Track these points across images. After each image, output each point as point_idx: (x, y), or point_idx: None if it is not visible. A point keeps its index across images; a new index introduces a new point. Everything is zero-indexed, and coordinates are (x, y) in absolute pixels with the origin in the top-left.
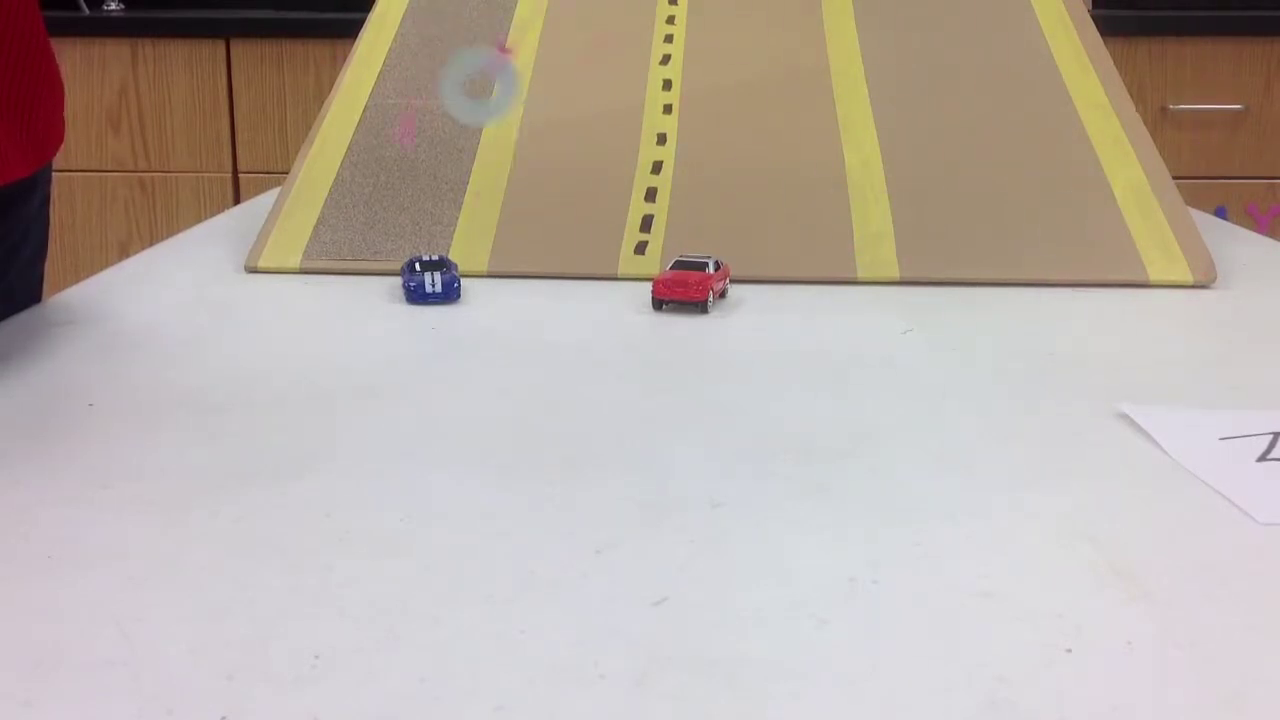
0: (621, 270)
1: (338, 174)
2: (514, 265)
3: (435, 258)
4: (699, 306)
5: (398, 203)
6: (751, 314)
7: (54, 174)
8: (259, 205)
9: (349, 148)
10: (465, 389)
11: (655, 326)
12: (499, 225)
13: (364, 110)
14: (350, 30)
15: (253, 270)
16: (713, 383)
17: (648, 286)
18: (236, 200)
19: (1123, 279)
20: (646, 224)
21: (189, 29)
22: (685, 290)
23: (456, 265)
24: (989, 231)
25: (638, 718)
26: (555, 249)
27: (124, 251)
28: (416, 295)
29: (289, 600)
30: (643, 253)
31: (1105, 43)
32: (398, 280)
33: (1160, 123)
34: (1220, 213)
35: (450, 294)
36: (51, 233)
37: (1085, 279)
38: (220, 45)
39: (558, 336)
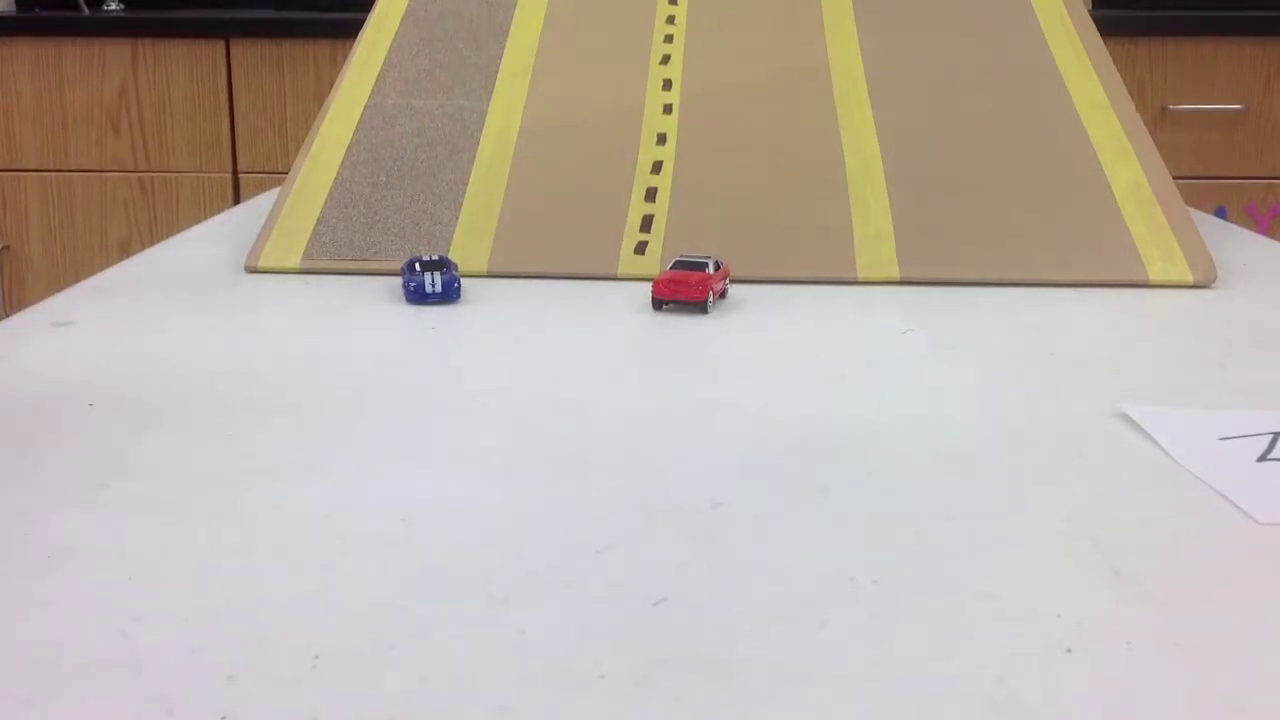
0: (621, 270)
1: (338, 174)
2: (514, 265)
3: (435, 258)
4: (699, 306)
5: (398, 203)
6: (751, 314)
7: (54, 174)
8: (259, 205)
9: (349, 148)
10: (465, 389)
11: (655, 326)
12: (499, 225)
13: (364, 110)
14: (350, 30)
15: (253, 270)
16: (713, 383)
17: (648, 286)
18: (236, 200)
19: (1123, 279)
20: (646, 224)
21: (189, 29)
22: (685, 290)
23: (456, 265)
24: (989, 231)
25: (638, 718)
26: (555, 249)
27: (124, 251)
28: (416, 295)
29: (289, 600)
30: (643, 253)
31: (1105, 43)
32: (398, 280)
33: (1160, 123)
34: (1220, 213)
35: (450, 294)
36: (51, 232)
37: (1085, 279)
38: (220, 45)
39: (558, 336)
